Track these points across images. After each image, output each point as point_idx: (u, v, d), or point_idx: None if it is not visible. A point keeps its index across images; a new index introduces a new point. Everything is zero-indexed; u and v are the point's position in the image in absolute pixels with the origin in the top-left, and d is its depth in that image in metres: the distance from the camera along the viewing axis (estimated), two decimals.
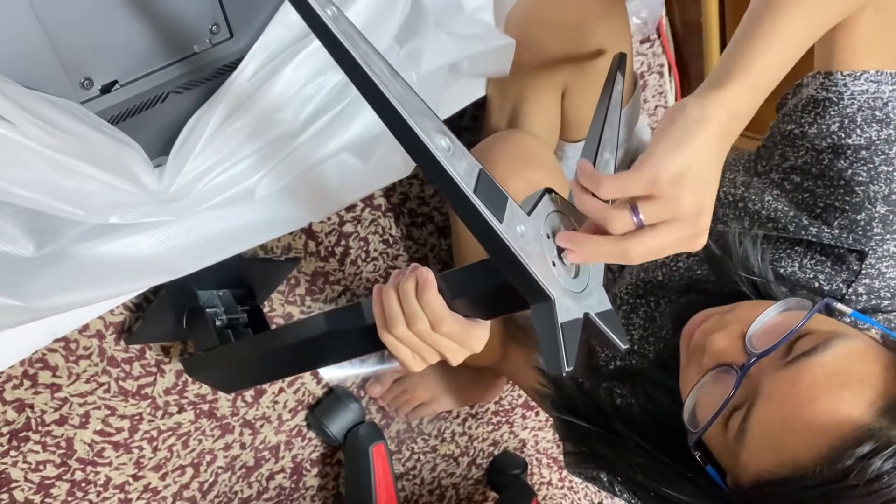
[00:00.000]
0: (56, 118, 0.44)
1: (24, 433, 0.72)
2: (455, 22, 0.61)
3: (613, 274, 0.71)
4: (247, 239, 0.59)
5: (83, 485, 0.76)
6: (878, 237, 0.50)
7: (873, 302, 0.51)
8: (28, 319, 0.51)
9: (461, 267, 0.45)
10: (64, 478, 0.75)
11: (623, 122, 0.74)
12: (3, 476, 0.72)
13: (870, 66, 0.50)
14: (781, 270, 0.53)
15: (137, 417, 0.77)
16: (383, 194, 0.86)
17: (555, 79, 0.68)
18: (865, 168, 0.50)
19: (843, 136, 0.50)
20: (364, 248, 0.87)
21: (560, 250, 0.41)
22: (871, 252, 0.50)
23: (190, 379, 0.79)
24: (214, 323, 0.68)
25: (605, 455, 0.54)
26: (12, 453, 0.72)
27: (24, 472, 0.73)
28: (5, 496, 0.73)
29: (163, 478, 0.81)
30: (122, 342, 0.74)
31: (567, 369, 0.38)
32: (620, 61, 0.60)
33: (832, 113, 0.51)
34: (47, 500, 0.75)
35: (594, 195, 0.40)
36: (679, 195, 0.37)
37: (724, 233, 0.55)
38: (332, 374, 0.90)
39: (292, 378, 0.86)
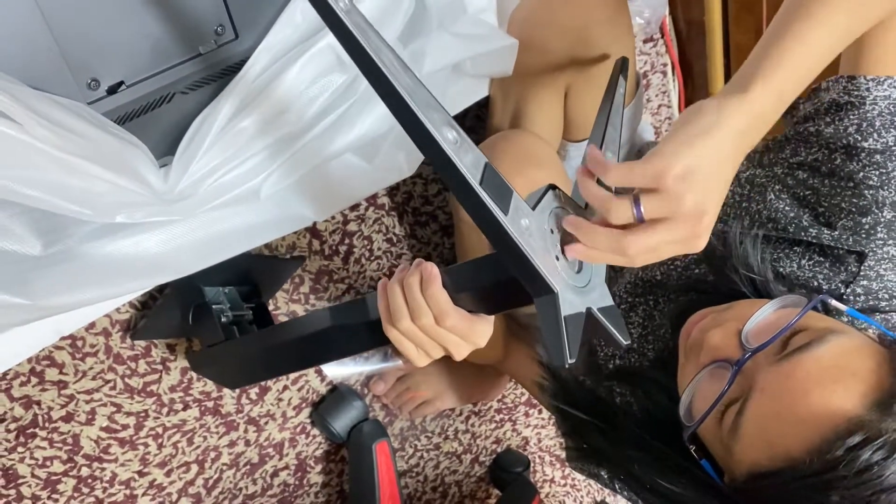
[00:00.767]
0: (63, 119, 0.45)
1: (31, 429, 0.72)
2: (458, 22, 0.61)
3: (615, 273, 0.72)
4: (252, 238, 0.59)
5: (89, 481, 0.77)
6: (881, 241, 0.50)
7: (871, 303, 0.51)
8: (35, 318, 0.52)
9: (465, 262, 0.45)
10: (70, 474, 0.76)
11: (626, 123, 0.74)
12: (10, 472, 0.73)
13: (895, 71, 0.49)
14: (781, 270, 0.54)
15: (143, 414, 0.78)
16: (387, 193, 0.86)
17: (557, 79, 0.68)
18: (877, 172, 0.50)
19: (860, 138, 0.50)
20: (368, 247, 0.87)
21: (563, 246, 0.41)
22: (870, 254, 0.50)
23: (195, 376, 0.80)
24: (220, 319, 0.69)
25: (602, 448, 0.54)
26: (19, 449, 0.72)
27: (31, 468, 0.74)
28: (13, 492, 0.73)
29: (168, 474, 0.82)
30: (128, 340, 0.74)
31: (570, 361, 0.39)
32: (623, 65, 0.61)
33: (852, 116, 0.50)
34: (54, 496, 0.76)
35: (599, 184, 0.40)
36: (682, 192, 0.37)
37: (724, 232, 0.55)
38: (336, 371, 0.90)
39: (296, 376, 0.87)
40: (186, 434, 0.81)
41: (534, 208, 0.41)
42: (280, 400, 0.86)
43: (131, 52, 0.49)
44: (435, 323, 0.44)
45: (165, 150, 0.53)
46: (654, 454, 0.50)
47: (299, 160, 0.57)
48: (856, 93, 0.50)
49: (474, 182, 0.38)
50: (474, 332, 0.45)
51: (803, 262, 0.53)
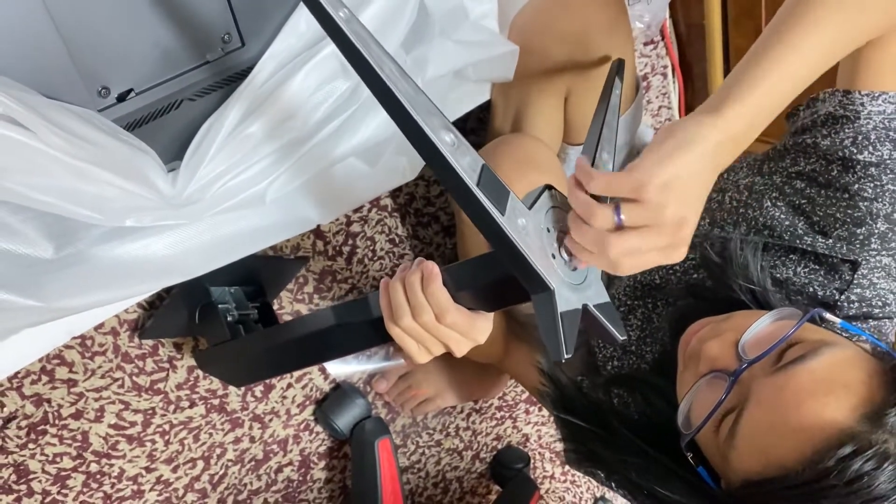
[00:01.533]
0: (75, 127, 0.46)
1: (42, 426, 0.74)
2: (460, 29, 0.62)
3: (609, 276, 0.73)
4: (258, 241, 0.60)
5: (98, 476, 0.79)
6: (874, 251, 0.51)
7: (864, 309, 0.52)
8: (48, 319, 0.53)
9: (464, 260, 0.46)
10: (79, 470, 0.77)
11: (625, 126, 0.75)
12: (21, 468, 0.74)
13: (892, 87, 0.50)
14: (777, 276, 0.54)
15: (150, 412, 0.79)
16: (389, 195, 0.87)
17: (557, 84, 0.69)
18: (872, 185, 0.50)
19: (855, 151, 0.51)
20: (371, 248, 0.88)
21: (560, 244, 0.42)
22: (864, 263, 0.51)
23: (201, 374, 0.81)
24: (226, 318, 0.70)
25: (601, 453, 0.55)
26: (31, 446, 0.74)
27: (42, 464, 0.75)
28: (24, 487, 0.75)
29: (175, 470, 0.83)
30: (136, 339, 0.75)
31: (566, 356, 0.39)
32: (619, 67, 0.62)
33: (847, 129, 0.51)
34: (63, 491, 0.77)
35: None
36: (663, 203, 0.39)
37: (725, 240, 0.56)
38: (339, 370, 0.91)
39: (300, 374, 0.88)
40: (193, 431, 0.83)
41: (530, 208, 0.42)
42: (284, 398, 0.88)
43: (140, 60, 0.50)
44: (436, 320, 0.45)
45: (173, 155, 0.54)
46: (651, 460, 0.51)
47: (304, 164, 0.58)
48: (851, 107, 0.51)
49: (471, 183, 0.39)
50: (474, 329, 0.46)
51: (798, 269, 0.54)
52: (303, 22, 0.53)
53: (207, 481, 0.86)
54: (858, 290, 0.52)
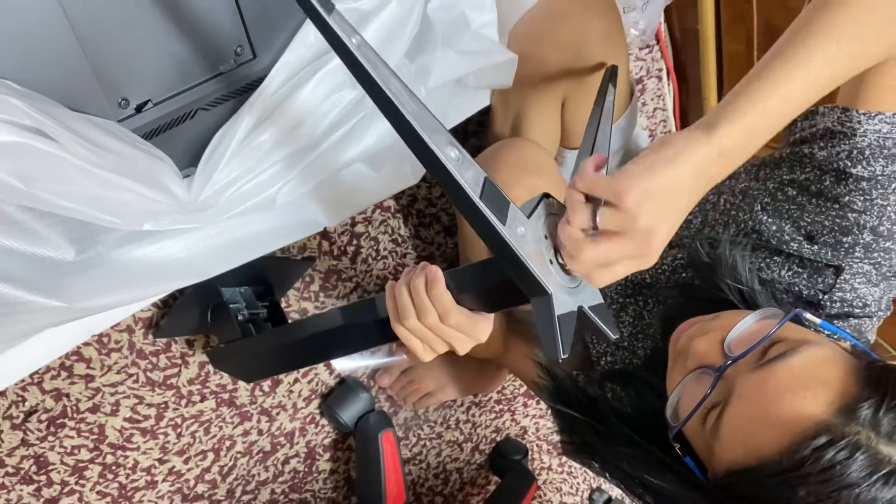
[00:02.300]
0: (97, 137, 0.48)
1: (61, 420, 0.76)
2: (461, 38, 0.64)
3: None
4: (268, 243, 0.62)
5: (113, 468, 0.81)
6: (858, 259, 0.53)
7: (846, 309, 0.54)
8: (70, 319, 0.55)
9: (467, 265, 0.49)
10: (96, 461, 0.80)
11: (620, 131, 0.77)
12: (41, 459, 0.76)
13: (889, 108, 0.51)
14: (763, 276, 0.56)
15: (163, 406, 0.81)
16: (392, 197, 0.88)
17: (555, 91, 0.71)
18: (862, 198, 0.52)
19: (850, 164, 0.52)
20: (374, 248, 0.90)
21: (556, 250, 0.45)
22: (847, 268, 0.53)
23: (212, 370, 0.83)
24: (237, 317, 0.72)
25: (595, 444, 0.57)
26: (50, 438, 0.76)
27: (61, 456, 0.77)
28: (43, 477, 0.77)
29: (186, 461, 0.86)
30: (150, 336, 0.78)
31: (563, 356, 0.42)
32: (612, 74, 0.64)
33: (843, 145, 0.52)
34: (81, 481, 0.80)
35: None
36: (637, 213, 0.40)
37: (714, 240, 0.58)
38: (344, 365, 0.93)
39: (307, 369, 0.90)
40: (203, 424, 0.85)
41: (529, 216, 0.44)
42: (291, 392, 0.90)
43: (157, 72, 0.52)
44: (439, 321, 0.47)
45: (189, 162, 0.56)
46: (642, 451, 0.53)
47: (313, 170, 0.60)
48: (848, 124, 0.52)
49: (475, 197, 0.41)
50: (476, 329, 0.49)
51: (783, 271, 0.56)
52: (312, 34, 0.55)
53: (217, 472, 0.88)
54: (840, 294, 0.54)
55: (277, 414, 0.90)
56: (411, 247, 0.93)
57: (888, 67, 0.50)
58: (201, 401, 0.84)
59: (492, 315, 0.50)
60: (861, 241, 0.53)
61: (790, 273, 0.56)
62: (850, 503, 0.41)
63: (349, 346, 0.61)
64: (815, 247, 0.54)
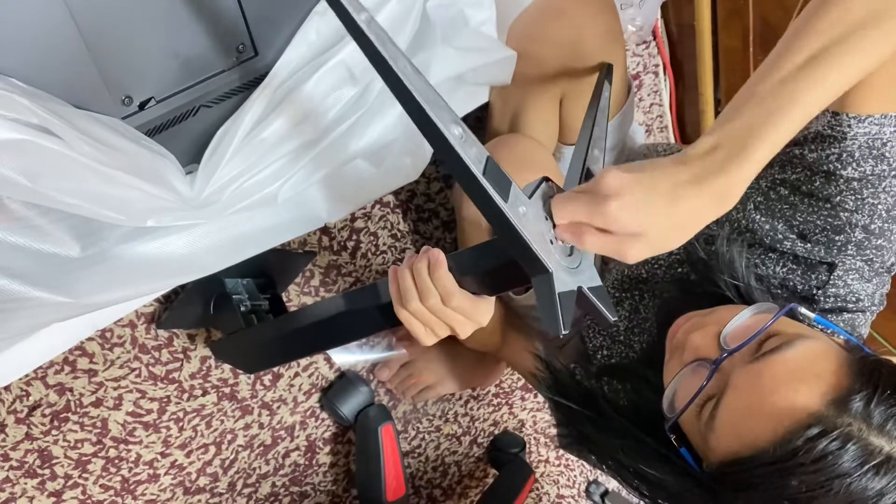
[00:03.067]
0: (101, 134, 0.49)
1: (64, 414, 0.76)
2: (460, 36, 0.65)
3: (603, 269, 0.76)
4: (269, 239, 0.63)
5: (116, 461, 0.82)
6: (850, 256, 0.54)
7: (839, 304, 0.55)
8: (75, 314, 0.56)
9: (468, 247, 0.49)
10: (99, 455, 0.80)
11: (616, 127, 0.78)
12: (45, 453, 0.77)
13: (878, 110, 0.51)
14: (758, 272, 0.57)
15: (165, 400, 0.82)
16: (392, 192, 0.89)
17: (553, 87, 0.72)
18: (853, 197, 0.53)
19: (840, 166, 0.53)
20: (374, 243, 0.91)
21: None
22: (840, 265, 0.54)
23: (214, 364, 0.84)
24: (240, 309, 0.72)
25: (592, 436, 0.58)
26: (53, 432, 0.77)
27: (64, 450, 0.78)
28: (47, 471, 0.78)
29: (188, 455, 0.86)
30: (153, 331, 0.78)
31: (564, 332, 0.42)
32: (608, 71, 0.65)
33: (834, 147, 0.53)
34: (84, 475, 0.80)
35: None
36: (628, 247, 0.40)
37: (711, 237, 0.59)
38: (344, 359, 0.94)
39: (307, 363, 0.91)
40: (205, 418, 0.86)
41: (530, 197, 0.44)
42: (292, 386, 0.91)
43: (161, 70, 0.52)
44: (442, 303, 0.48)
45: (191, 158, 0.57)
46: (638, 442, 0.54)
47: (314, 166, 0.60)
48: (838, 128, 0.52)
49: (478, 172, 0.42)
50: (478, 311, 0.49)
51: (777, 268, 0.57)
52: (313, 32, 0.56)
53: (219, 466, 0.89)
54: (834, 290, 0.55)
55: (278, 408, 0.90)
56: (410, 242, 0.94)
57: (875, 73, 0.49)
58: (203, 395, 0.84)
59: (493, 298, 0.50)
60: (853, 239, 0.54)
61: (784, 269, 0.57)
62: (842, 492, 0.42)
63: (352, 333, 0.61)
64: (808, 245, 0.55)
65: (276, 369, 0.88)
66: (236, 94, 0.56)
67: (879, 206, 0.53)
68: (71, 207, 0.49)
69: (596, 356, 0.69)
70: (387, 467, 0.92)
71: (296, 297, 0.87)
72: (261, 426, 0.90)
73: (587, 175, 0.55)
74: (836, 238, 0.54)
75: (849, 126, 0.52)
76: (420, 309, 0.49)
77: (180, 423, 0.84)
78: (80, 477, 0.80)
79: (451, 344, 0.79)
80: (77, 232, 0.54)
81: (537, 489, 1.16)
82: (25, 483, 0.77)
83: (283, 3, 0.54)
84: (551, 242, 0.44)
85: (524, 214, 0.43)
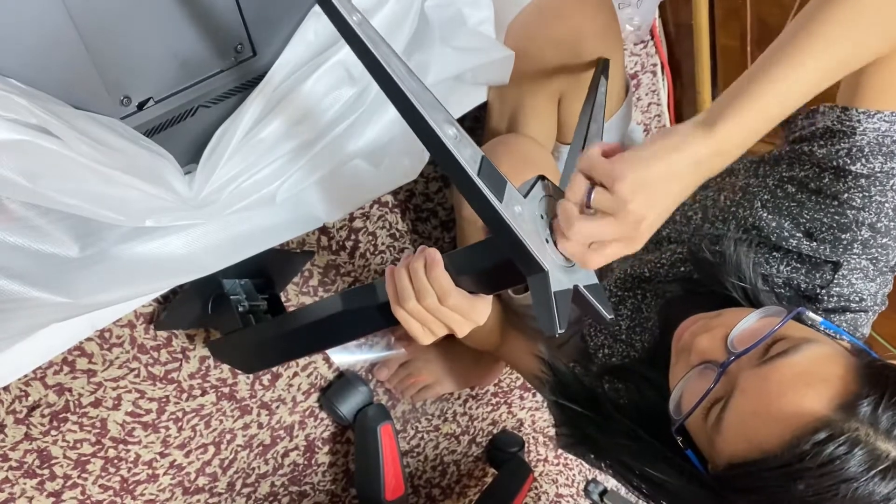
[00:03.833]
0: (100, 134, 0.49)
1: (64, 414, 0.76)
2: (459, 35, 0.65)
3: (605, 268, 0.76)
4: (268, 239, 0.63)
5: (115, 461, 0.82)
6: (856, 255, 0.54)
7: (843, 303, 0.55)
8: (75, 314, 0.56)
9: (464, 247, 0.49)
10: (98, 455, 0.80)
11: (615, 126, 0.78)
12: (44, 453, 0.77)
13: (888, 106, 0.51)
14: (762, 272, 0.57)
15: (164, 400, 0.82)
16: (390, 192, 0.89)
17: (551, 87, 0.72)
18: (861, 195, 0.53)
19: (849, 161, 0.53)
20: (372, 242, 0.91)
21: (552, 230, 0.45)
22: (844, 264, 0.54)
23: (213, 364, 0.84)
24: (238, 309, 0.72)
25: (595, 437, 0.58)
26: (53, 433, 0.77)
27: (63, 450, 0.78)
28: (46, 471, 0.78)
29: (187, 455, 0.86)
30: (151, 331, 0.78)
31: (560, 331, 0.43)
32: (604, 66, 0.65)
33: (843, 143, 0.53)
34: (83, 475, 0.80)
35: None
36: (629, 197, 0.42)
37: (716, 237, 0.59)
38: (343, 359, 0.94)
39: (306, 363, 0.91)
40: (204, 418, 0.86)
41: (525, 196, 0.45)
42: (290, 386, 0.91)
43: (159, 70, 0.52)
44: (438, 302, 0.48)
45: (190, 158, 0.57)
46: (642, 444, 0.54)
47: (312, 166, 0.60)
48: (848, 123, 0.52)
49: (472, 173, 0.42)
50: (474, 310, 0.49)
51: (782, 266, 0.57)
52: (311, 32, 0.56)
53: (218, 465, 0.89)
54: (837, 289, 0.55)
55: (277, 407, 0.91)
56: (409, 241, 0.94)
57: (887, 66, 0.50)
58: (202, 395, 0.84)
59: (489, 297, 0.50)
60: (859, 238, 0.54)
61: (789, 268, 0.57)
62: (849, 497, 0.42)
63: (350, 332, 0.62)
64: (814, 243, 0.55)
65: (274, 369, 0.88)
66: (235, 94, 0.56)
67: (886, 205, 0.53)
68: (70, 208, 0.49)
69: (597, 355, 0.69)
70: (386, 467, 0.92)
71: (294, 296, 0.87)
72: (260, 426, 0.90)
73: None
74: (842, 236, 0.54)
75: (858, 121, 0.52)
76: (417, 308, 0.49)
77: (179, 423, 0.84)
78: (79, 477, 0.80)
79: (449, 343, 0.79)
80: (76, 232, 0.54)
81: (536, 488, 1.16)
82: (25, 483, 0.77)
83: (281, 4, 0.54)
84: (546, 241, 0.44)
85: (519, 214, 0.43)
